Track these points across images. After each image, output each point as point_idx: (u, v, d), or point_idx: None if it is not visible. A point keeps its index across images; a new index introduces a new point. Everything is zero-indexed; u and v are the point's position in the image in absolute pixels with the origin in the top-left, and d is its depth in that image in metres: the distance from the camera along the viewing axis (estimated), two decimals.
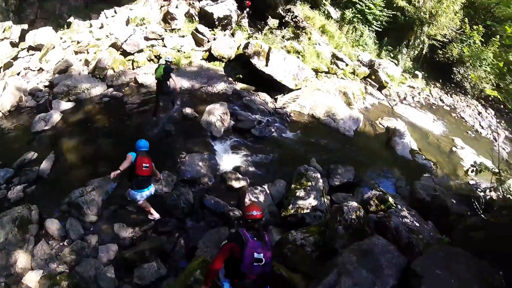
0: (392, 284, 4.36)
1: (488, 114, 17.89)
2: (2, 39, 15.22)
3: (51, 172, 8.67)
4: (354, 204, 6.33)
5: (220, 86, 12.86)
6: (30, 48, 14.97)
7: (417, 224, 5.84)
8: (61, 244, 6.86)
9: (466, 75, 19.01)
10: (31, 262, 6.43)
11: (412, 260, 4.71)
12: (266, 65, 12.48)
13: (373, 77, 16.68)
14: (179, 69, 13.73)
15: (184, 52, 14.70)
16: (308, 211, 7.66)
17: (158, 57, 14.03)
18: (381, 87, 16.63)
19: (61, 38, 15.28)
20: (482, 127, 16.35)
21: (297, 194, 7.81)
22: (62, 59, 13.55)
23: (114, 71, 13.18)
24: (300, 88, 13.12)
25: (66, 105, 11.30)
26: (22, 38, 15.57)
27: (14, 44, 15.42)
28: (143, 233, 7.29)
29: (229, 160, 9.67)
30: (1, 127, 10.81)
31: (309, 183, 8.03)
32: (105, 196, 7.95)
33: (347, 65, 16.31)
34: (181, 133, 10.32)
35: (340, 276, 4.24)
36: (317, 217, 7.60)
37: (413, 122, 14.63)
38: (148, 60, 14.16)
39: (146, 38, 14.75)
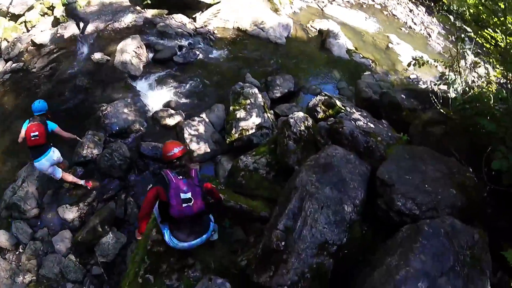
0: (361, 198, 3.85)
1: (420, 11, 17.32)
2: None
3: None
4: (301, 114, 5.79)
5: (128, 19, 11.08)
6: None
7: (372, 126, 5.31)
8: (17, 253, 6.09)
9: None
10: None
11: (376, 166, 4.22)
12: None
13: None
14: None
15: None
16: (254, 131, 6.98)
17: (52, 8, 11.92)
18: None
19: None
20: (415, 24, 15.76)
21: (238, 115, 7.01)
22: None
23: (8, 42, 11.15)
24: (219, 2, 11.63)
25: None
26: None
27: None
28: (89, 207, 6.40)
29: (157, 97, 8.55)
30: None
31: (248, 101, 7.22)
32: (38, 182, 6.81)
33: None
34: (96, 83, 8.90)
35: (303, 201, 3.65)
36: (265, 135, 7.01)
37: (346, 22, 13.68)
38: (42, 15, 12.01)
39: None
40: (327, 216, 3.53)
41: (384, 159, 4.43)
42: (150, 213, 3.77)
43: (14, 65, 10.17)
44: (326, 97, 6.43)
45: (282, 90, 8.86)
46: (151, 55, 9.80)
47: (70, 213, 6.26)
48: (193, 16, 11.50)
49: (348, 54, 11.38)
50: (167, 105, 8.17)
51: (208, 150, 7.17)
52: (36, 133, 5.65)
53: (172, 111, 7.88)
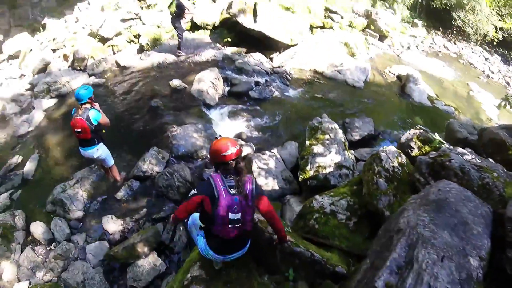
0: (488, 248, 2.69)
1: (495, 60, 16.38)
2: None
3: (35, 172, 7.62)
4: (393, 148, 4.80)
5: (208, 54, 11.17)
6: (9, 58, 13.98)
7: (481, 161, 4.18)
8: (48, 248, 5.89)
9: (466, 20, 17.22)
10: (18, 273, 5.59)
11: (495, 208, 3.12)
12: (255, 21, 10.75)
13: (372, 27, 14.88)
14: (161, 44, 12.08)
15: (165, 27, 13.01)
16: (332, 169, 6.06)
17: (138, 37, 12.55)
18: (382, 37, 14.83)
19: (37, 40, 14.25)
20: (492, 72, 14.87)
21: (315, 150, 6.22)
22: (40, 59, 12.27)
23: (94, 60, 11.80)
24: (296, 44, 11.41)
25: (48, 102, 10.19)
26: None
27: None
28: (135, 224, 5.96)
29: (228, 127, 8.12)
30: None
31: (327, 136, 6.46)
32: (91, 187, 6.66)
33: (342, 17, 14.53)
34: (171, 107, 8.74)
35: (413, 249, 2.55)
36: (344, 176, 6.02)
37: (423, 69, 12.87)
38: (129, 42, 12.68)
39: (123, 20, 13.31)
40: (449, 272, 2.39)
41: (504, 200, 3.37)
42: (187, 217, 3.19)
43: (96, 80, 10.63)
44: (421, 131, 5.45)
45: (362, 133, 8.04)
46: (227, 88, 9.60)
47: (113, 225, 5.88)
48: (271, 56, 11.33)
49: (430, 101, 10.45)
50: (238, 136, 7.66)
51: (277, 187, 6.41)
52: (79, 129, 5.35)
53: (243, 142, 7.32)
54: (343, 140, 6.47)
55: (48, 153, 8.09)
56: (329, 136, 6.42)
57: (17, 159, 8.13)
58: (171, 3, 10.32)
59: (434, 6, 18.01)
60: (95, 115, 5.40)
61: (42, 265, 5.61)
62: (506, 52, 16.85)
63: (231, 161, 2.94)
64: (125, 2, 14.45)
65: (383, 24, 14.77)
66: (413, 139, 5.35)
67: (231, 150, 2.92)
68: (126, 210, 6.18)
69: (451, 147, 5.02)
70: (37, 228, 6.03)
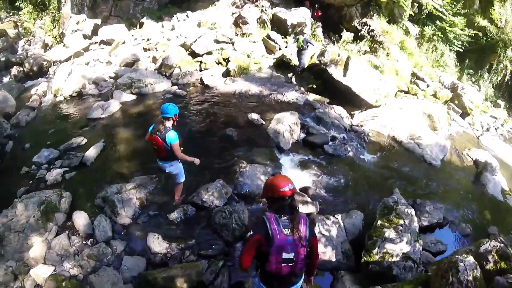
0: None
1: None
2: (76, 31, 15.54)
3: (95, 160, 7.67)
4: (471, 260, 4.22)
5: (291, 95, 11.06)
6: (102, 42, 15.11)
7: None
8: (84, 242, 5.65)
9: None
10: (46, 254, 5.36)
11: None
12: (344, 75, 10.54)
13: (456, 101, 13.97)
14: (248, 74, 12.18)
15: (254, 58, 13.26)
16: (398, 259, 5.51)
17: (227, 61, 12.87)
18: (464, 113, 13.85)
19: (132, 35, 15.17)
20: None
21: (386, 234, 5.70)
22: (131, 54, 12.92)
23: (181, 70, 12.29)
24: (380, 106, 10.98)
25: (127, 96, 10.57)
26: (95, 32, 15.78)
27: (86, 37, 15.61)
28: (179, 252, 5.59)
29: (296, 177, 7.69)
30: (60, 110, 10.26)
31: (401, 221, 5.91)
32: (146, 197, 6.53)
33: (428, 86, 13.92)
34: (244, 140, 8.64)
35: None
36: (408, 269, 5.45)
37: (500, 156, 11.79)
38: (217, 63, 13.07)
39: (216, 41, 13.83)
40: None
41: None
42: (251, 262, 2.99)
43: (178, 90, 10.97)
44: (502, 245, 4.81)
45: (431, 219, 7.33)
46: (303, 135, 9.32)
47: (158, 246, 5.52)
48: (352, 112, 10.97)
49: (502, 195, 9.37)
50: (305, 190, 7.29)
51: (334, 259, 5.95)
52: (156, 147, 5.38)
53: (308, 199, 6.95)
54: (417, 230, 5.90)
55: (113, 146, 8.14)
56: (404, 222, 5.88)
57: (81, 140, 8.27)
58: (298, 39, 11.75)
59: None
60: (173, 137, 5.25)
61: (73, 258, 5.32)
62: None
63: (287, 197, 2.95)
64: (223, 24, 14.97)
65: (468, 101, 13.85)
66: (492, 252, 4.75)
67: (289, 187, 2.94)
68: (175, 234, 5.91)
69: None
70: (80, 219, 5.83)
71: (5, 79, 13.71)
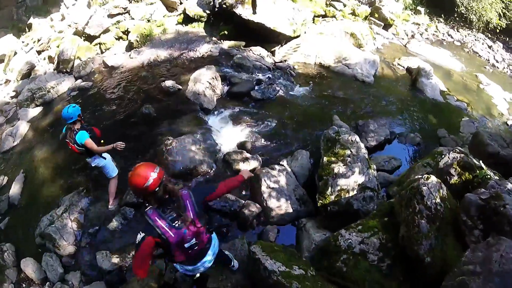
0: None
1: (498, 47, 15.04)
2: None
3: (22, 196, 6.55)
4: (434, 180, 3.76)
5: (204, 49, 9.85)
6: None
7: None
8: None
9: (469, 7, 15.83)
10: None
11: None
12: (254, 12, 9.40)
13: (376, 15, 13.35)
14: (152, 40, 10.70)
15: (156, 21, 11.63)
16: (355, 192, 4.97)
17: (127, 33, 11.18)
18: (386, 25, 13.33)
19: (22, 42, 12.79)
20: (497, 61, 13.51)
21: (336, 170, 5.06)
22: (24, 62, 11.00)
23: (81, 60, 10.55)
24: (299, 36, 10.09)
25: (33, 111, 9.00)
26: None
27: None
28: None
29: (230, 136, 6.91)
30: None
31: (347, 151, 5.28)
32: (80, 215, 5.61)
33: (344, 5, 13.13)
34: (164, 113, 7.51)
35: None
36: (368, 199, 4.96)
37: (431, 60, 11.50)
38: (117, 39, 11.33)
39: (110, 16, 11.97)
40: None
41: None
42: (147, 266, 2.62)
43: (83, 83, 9.48)
44: (462, 155, 4.35)
45: (378, 137, 6.89)
46: (226, 88, 8.30)
47: (108, 263, 4.83)
48: (272, 49, 10.01)
49: (442, 96, 9.26)
50: (242, 146, 6.48)
51: (290, 210, 5.31)
52: (73, 150, 4.91)
53: (248, 155, 6.16)
54: (366, 156, 5.30)
55: (34, 172, 6.99)
56: (351, 151, 5.24)
57: (1, 179, 7.10)
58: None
59: None
60: (80, 136, 4.76)
61: None
62: (508, 39, 15.45)
63: (157, 188, 2.55)
64: None
65: (387, 12, 13.34)
66: (453, 165, 4.25)
67: (152, 177, 2.51)
68: (122, 244, 5.10)
69: (498, 179, 4.01)
70: (28, 266, 5.12)
71: None
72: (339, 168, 5.05)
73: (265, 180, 5.47)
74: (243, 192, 5.74)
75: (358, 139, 5.54)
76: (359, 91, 8.64)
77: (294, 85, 8.59)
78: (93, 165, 5.21)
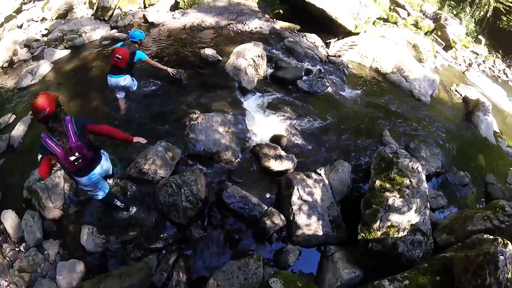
0: None
1: None
2: None
3: (24, 139, 5.55)
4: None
5: (254, 24, 8.48)
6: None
7: None
8: (17, 249, 4.12)
9: None
10: None
11: None
12: None
13: (439, 33, 11.66)
14: (201, 4, 9.42)
15: None
16: (405, 233, 3.70)
17: None
18: (447, 46, 11.63)
19: None
20: None
21: (390, 201, 3.77)
22: (63, 2, 9.87)
23: (121, 11, 9.39)
24: (359, 33, 8.62)
25: (60, 53, 7.94)
26: None
27: None
28: (120, 247, 3.81)
29: (265, 125, 5.64)
30: None
31: (406, 181, 3.99)
32: None
33: (409, 14, 11.52)
34: (196, 83, 6.25)
35: None
36: (416, 244, 3.73)
37: (487, 95, 9.83)
38: None
39: None
40: None
41: None
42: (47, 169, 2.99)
43: (117, 34, 8.34)
44: None
45: (429, 167, 5.55)
46: (270, 70, 6.96)
47: (92, 243, 3.81)
48: (327, 41, 8.55)
49: (495, 138, 7.74)
50: (277, 140, 5.21)
51: (320, 232, 4.09)
52: (120, 56, 5.02)
53: (282, 152, 4.88)
54: (427, 193, 3.98)
55: None
56: (410, 181, 3.95)
57: (9, 117, 6.16)
58: None
59: (501, 25, 14.59)
60: (141, 55, 5.15)
61: (8, 271, 3.84)
62: None
63: (49, 121, 2.91)
64: None
65: (451, 33, 11.59)
66: None
67: (43, 114, 2.84)
68: (112, 222, 3.99)
69: None
70: (8, 220, 4.26)
71: None
72: (394, 199, 3.76)
73: (298, 189, 4.22)
74: (267, 196, 4.50)
75: (420, 168, 4.22)
76: (413, 109, 7.19)
77: (345, 84, 7.20)
78: (121, 84, 5.24)
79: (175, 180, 4.04)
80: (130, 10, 9.35)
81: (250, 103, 6.05)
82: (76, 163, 3.04)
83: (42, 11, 10.53)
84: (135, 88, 5.57)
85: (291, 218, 4.07)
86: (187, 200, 3.91)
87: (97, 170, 3.32)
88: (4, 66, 8.28)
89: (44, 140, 2.94)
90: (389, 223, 3.67)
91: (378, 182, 4.04)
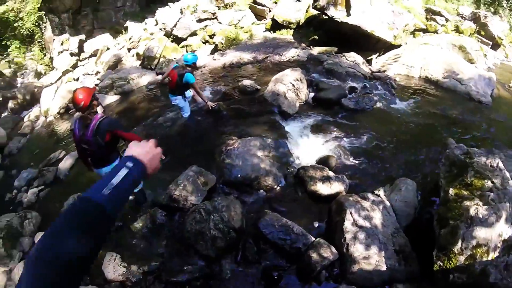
0: None
1: None
2: (62, 52, 13.84)
3: (70, 172, 5.88)
4: None
5: (291, 53, 8.25)
6: (90, 56, 12.98)
7: None
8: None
9: None
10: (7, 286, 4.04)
11: None
12: (348, 14, 7.55)
13: (483, 32, 10.62)
14: (238, 44, 9.52)
15: (242, 27, 10.57)
16: (496, 253, 2.72)
17: (213, 36, 10.35)
18: (494, 45, 10.52)
19: (117, 42, 12.98)
20: None
21: (472, 211, 2.87)
22: (112, 55, 11.02)
23: (165, 59, 9.92)
24: (400, 44, 7.93)
25: (110, 98, 8.59)
26: (81, 48, 13.72)
27: (74, 54, 13.59)
28: (141, 279, 3.32)
29: (310, 147, 5.03)
30: (48, 130, 8.67)
31: (487, 183, 3.08)
32: None
33: (447, 20, 10.69)
34: (235, 112, 5.94)
35: None
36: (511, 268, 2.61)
37: None
38: (203, 43, 10.56)
39: (199, 20, 11.32)
40: None
41: None
42: None
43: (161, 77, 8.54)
44: None
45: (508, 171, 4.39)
46: (312, 94, 6.48)
47: (113, 271, 3.40)
48: (368, 58, 7.98)
49: None
50: (324, 162, 4.54)
51: (383, 266, 3.17)
52: (171, 78, 5.34)
53: (331, 173, 4.18)
54: None
55: None
56: (492, 182, 3.03)
57: (59, 153, 6.74)
58: None
59: None
60: (189, 77, 5.17)
61: None
62: None
63: (83, 110, 3.27)
64: (204, 3, 12.34)
65: (496, 30, 10.50)
66: None
67: (80, 105, 3.21)
68: (137, 251, 3.60)
69: None
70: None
71: (3, 115, 11.86)
72: (477, 208, 2.85)
73: (351, 213, 3.44)
74: (316, 225, 3.77)
75: (501, 164, 3.29)
76: (475, 113, 6.22)
77: (395, 97, 6.41)
78: (173, 103, 5.55)
79: (205, 206, 3.54)
80: (174, 58, 9.71)
81: (292, 126, 5.51)
82: (83, 153, 3.45)
83: (96, 65, 11.62)
84: (186, 116, 5.69)
85: (344, 250, 3.24)
86: (216, 228, 3.34)
87: (106, 171, 3.50)
88: (60, 112, 9.09)
89: (75, 120, 3.45)
90: (474, 242, 2.72)
91: (452, 191, 3.15)
